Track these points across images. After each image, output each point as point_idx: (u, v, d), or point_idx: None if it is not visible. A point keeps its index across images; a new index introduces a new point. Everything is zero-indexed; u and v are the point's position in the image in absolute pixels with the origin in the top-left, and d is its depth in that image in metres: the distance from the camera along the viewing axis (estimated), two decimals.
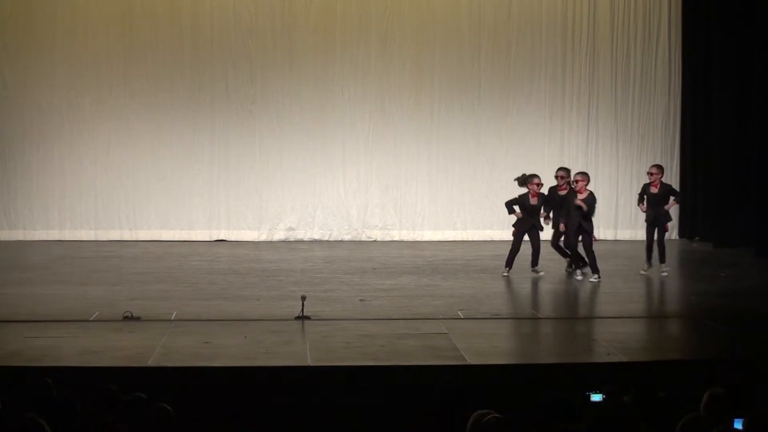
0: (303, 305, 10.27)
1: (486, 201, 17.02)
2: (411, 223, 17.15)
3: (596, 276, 12.79)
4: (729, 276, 13.34)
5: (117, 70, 16.74)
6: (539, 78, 17.16)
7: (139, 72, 16.77)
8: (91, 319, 10.33)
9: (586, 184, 13.04)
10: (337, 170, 17.04)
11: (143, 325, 10.01)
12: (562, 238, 13.17)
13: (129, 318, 10.22)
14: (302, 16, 16.91)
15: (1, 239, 16.46)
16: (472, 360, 8.72)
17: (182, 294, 11.96)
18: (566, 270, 13.40)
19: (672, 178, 17.03)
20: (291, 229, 17.02)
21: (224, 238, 16.91)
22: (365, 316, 10.65)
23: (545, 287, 12.71)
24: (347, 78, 16.97)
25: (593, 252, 12.92)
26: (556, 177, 13.43)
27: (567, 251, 13.31)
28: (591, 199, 12.99)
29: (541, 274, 13.07)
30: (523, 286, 12.74)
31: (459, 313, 10.76)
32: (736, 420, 5.61)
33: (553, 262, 13.56)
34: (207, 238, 16.83)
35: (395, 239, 17.01)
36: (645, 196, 13.37)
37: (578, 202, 12.84)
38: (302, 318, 10.21)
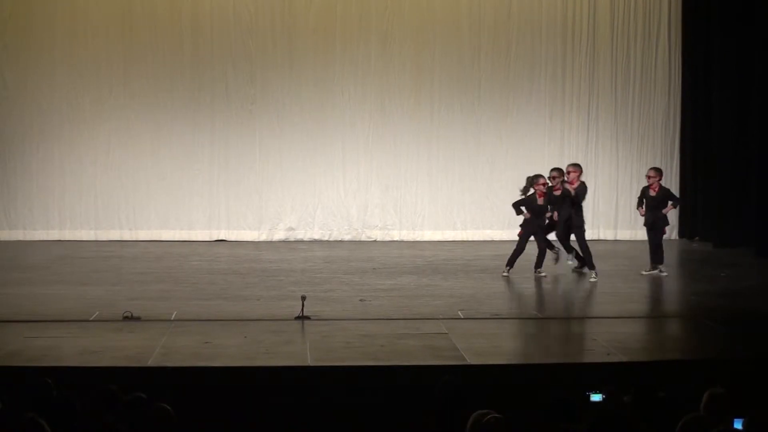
0: (303, 305, 10.27)
1: (486, 201, 17.02)
2: (411, 223, 17.15)
3: (594, 273, 12.80)
4: (729, 276, 13.34)
5: (117, 70, 16.74)
6: (539, 78, 17.16)
7: (139, 72, 16.77)
8: (91, 319, 10.33)
9: (579, 175, 13.07)
10: (337, 170, 17.04)
11: (143, 325, 10.01)
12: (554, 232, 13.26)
13: (129, 318, 10.22)
14: (302, 16, 16.91)
15: (1, 239, 16.46)
16: (472, 360, 8.72)
17: (182, 294, 11.96)
18: (574, 270, 13.40)
19: (672, 178, 17.03)
20: (291, 229, 17.02)
21: (224, 238, 16.91)
22: (365, 316, 10.65)
23: (545, 287, 12.71)
24: (347, 78, 16.97)
25: (587, 247, 12.92)
26: (550, 178, 13.45)
27: (571, 246, 13.33)
28: (581, 188, 12.98)
29: (544, 275, 13.06)
30: (524, 286, 12.73)
31: (459, 313, 10.76)
32: (736, 420, 5.61)
33: (552, 262, 13.52)
34: (207, 238, 16.84)
35: (395, 239, 17.01)
36: (644, 200, 13.37)
37: (567, 186, 12.87)
38: (302, 318, 10.21)
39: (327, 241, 16.90)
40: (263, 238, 16.94)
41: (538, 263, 13.17)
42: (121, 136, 16.81)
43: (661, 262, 13.30)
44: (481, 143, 17.15)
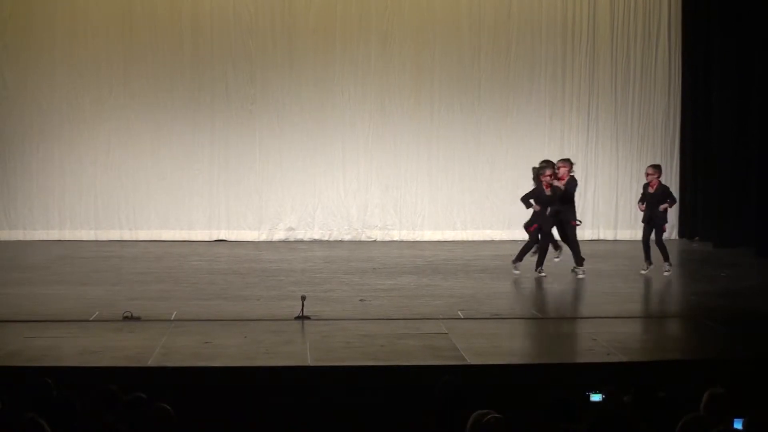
0: (303, 305, 10.27)
1: (486, 201, 17.03)
2: (411, 223, 17.15)
3: (581, 270, 12.78)
4: (729, 276, 13.34)
5: (117, 70, 16.74)
6: (539, 78, 17.16)
7: (139, 72, 16.77)
8: (91, 319, 10.33)
9: (569, 171, 13.04)
10: (337, 170, 17.04)
11: (143, 325, 10.01)
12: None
13: (129, 318, 10.22)
14: (302, 16, 16.91)
15: (1, 239, 16.46)
16: (472, 360, 8.72)
17: (182, 294, 11.95)
18: (572, 270, 13.42)
19: (672, 178, 17.05)
20: (291, 229, 17.02)
21: (224, 238, 16.91)
22: (365, 316, 10.65)
23: (545, 287, 12.70)
24: (347, 78, 16.97)
25: (577, 242, 12.91)
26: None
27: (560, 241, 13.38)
28: (571, 183, 12.97)
29: (544, 275, 13.06)
30: (523, 286, 12.74)
31: (459, 313, 10.76)
32: (736, 420, 5.61)
33: (554, 263, 13.52)
34: (207, 238, 16.84)
35: (395, 239, 17.01)
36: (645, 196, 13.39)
37: (556, 184, 12.88)
38: (302, 318, 10.21)
39: (327, 241, 16.90)
40: (263, 238, 16.94)
41: (539, 262, 13.16)
42: (121, 136, 16.81)
43: (667, 260, 13.25)
44: (481, 143, 17.15)
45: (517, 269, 13.08)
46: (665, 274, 13.19)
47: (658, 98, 17.30)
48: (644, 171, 13.76)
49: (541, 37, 17.13)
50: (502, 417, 5.44)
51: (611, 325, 10.29)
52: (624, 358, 8.86)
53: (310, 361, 8.70)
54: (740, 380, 7.62)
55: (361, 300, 11.50)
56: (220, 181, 16.98)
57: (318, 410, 7.84)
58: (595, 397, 6.67)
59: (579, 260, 13.04)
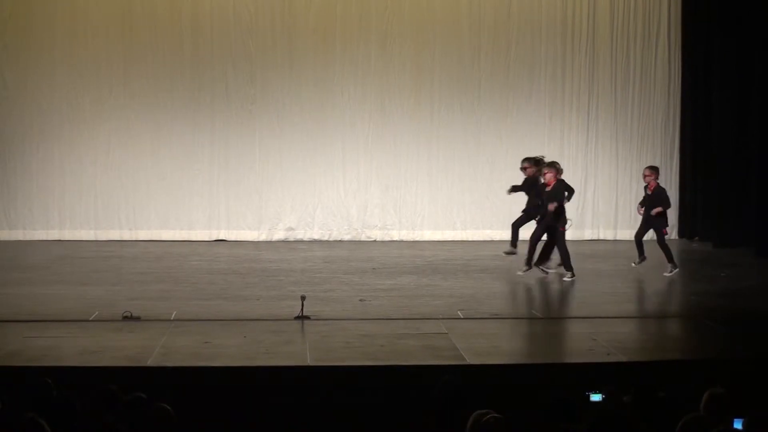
0: (303, 305, 10.27)
1: (486, 201, 17.02)
2: (411, 223, 17.15)
3: (570, 274, 12.77)
4: (729, 276, 13.34)
5: (117, 70, 16.74)
6: (539, 78, 17.16)
7: (139, 72, 16.77)
8: (91, 319, 10.33)
9: (555, 175, 12.97)
10: (337, 170, 17.04)
11: (143, 325, 10.01)
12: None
13: (129, 318, 10.21)
14: (302, 16, 16.91)
15: (1, 239, 16.46)
16: (471, 360, 8.72)
17: (182, 294, 11.95)
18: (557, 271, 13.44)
19: (672, 178, 17.06)
20: (291, 229, 17.02)
21: (224, 238, 16.91)
22: (365, 316, 10.65)
23: (545, 287, 12.71)
24: (347, 78, 16.97)
25: (566, 248, 12.88)
26: (522, 169, 13.52)
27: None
28: (555, 189, 12.87)
29: (545, 274, 13.05)
30: (523, 286, 12.73)
31: (459, 313, 10.75)
32: (736, 420, 5.61)
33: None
34: (207, 238, 16.84)
35: (395, 239, 17.01)
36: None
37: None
38: (302, 318, 10.21)
39: (327, 241, 16.90)
40: (263, 238, 16.94)
41: (540, 259, 13.18)
42: (121, 136, 16.81)
43: (671, 261, 13.21)
44: (481, 143, 17.15)
45: (547, 270, 13.00)
46: (666, 274, 13.16)
47: (658, 98, 17.30)
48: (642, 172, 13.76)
49: (540, 37, 17.13)
50: (502, 417, 5.44)
51: (611, 325, 10.28)
52: (624, 358, 8.86)
53: (309, 361, 8.70)
54: (740, 380, 7.62)
55: (360, 300, 11.50)
56: (220, 181, 16.98)
57: (318, 410, 7.84)
58: (595, 397, 6.67)
59: (568, 266, 12.92)
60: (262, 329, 9.83)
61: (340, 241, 16.90)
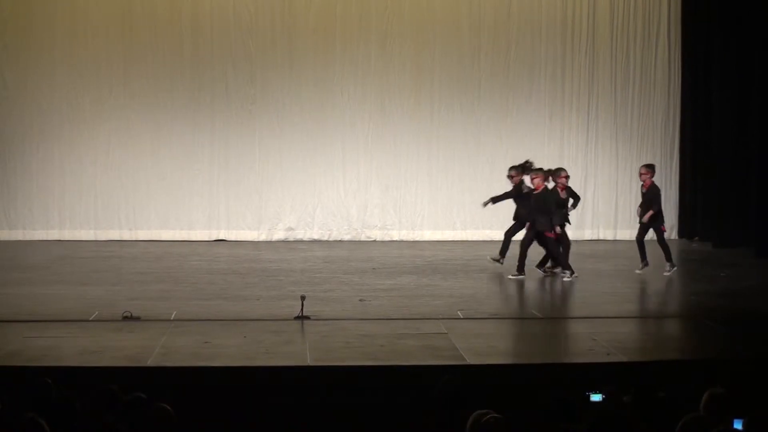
0: (302, 305, 10.27)
1: None
2: (411, 223, 17.15)
3: (569, 273, 12.77)
4: (729, 276, 13.34)
5: (117, 70, 16.74)
6: (539, 78, 17.16)
7: (139, 72, 16.77)
8: (90, 319, 10.33)
9: (542, 180, 13.00)
10: (337, 170, 17.04)
11: (143, 325, 10.01)
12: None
13: (129, 318, 10.22)
14: (302, 16, 16.92)
15: (1, 239, 16.46)
16: (471, 360, 8.72)
17: (182, 294, 11.96)
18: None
19: (672, 178, 17.07)
20: (290, 229, 17.02)
21: (224, 238, 16.92)
22: (365, 316, 10.65)
23: (545, 287, 12.71)
24: (347, 78, 16.97)
25: (557, 251, 12.88)
26: (509, 177, 13.54)
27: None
28: (542, 195, 12.90)
29: (545, 274, 13.05)
30: (523, 286, 12.73)
31: (458, 313, 10.75)
32: (736, 420, 5.61)
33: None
34: (207, 238, 16.84)
35: (395, 239, 17.01)
36: None
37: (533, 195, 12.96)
38: (302, 318, 10.21)
39: (326, 241, 16.90)
40: (263, 238, 16.95)
41: (544, 261, 13.18)
42: (121, 136, 16.81)
43: (669, 260, 13.22)
44: (481, 143, 17.15)
45: (565, 273, 12.98)
46: (665, 274, 13.17)
47: (658, 98, 17.30)
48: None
49: (540, 37, 17.13)
50: (501, 417, 5.44)
51: (611, 325, 10.29)
52: (624, 358, 8.86)
53: (309, 361, 8.70)
54: (740, 380, 7.62)
55: (360, 300, 11.50)
56: (220, 181, 16.98)
57: (318, 410, 7.84)
58: (595, 397, 6.66)
59: (566, 266, 12.92)
60: (262, 329, 9.83)
61: (340, 241, 16.90)
